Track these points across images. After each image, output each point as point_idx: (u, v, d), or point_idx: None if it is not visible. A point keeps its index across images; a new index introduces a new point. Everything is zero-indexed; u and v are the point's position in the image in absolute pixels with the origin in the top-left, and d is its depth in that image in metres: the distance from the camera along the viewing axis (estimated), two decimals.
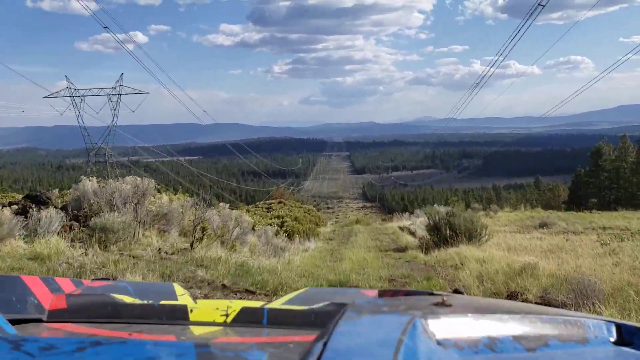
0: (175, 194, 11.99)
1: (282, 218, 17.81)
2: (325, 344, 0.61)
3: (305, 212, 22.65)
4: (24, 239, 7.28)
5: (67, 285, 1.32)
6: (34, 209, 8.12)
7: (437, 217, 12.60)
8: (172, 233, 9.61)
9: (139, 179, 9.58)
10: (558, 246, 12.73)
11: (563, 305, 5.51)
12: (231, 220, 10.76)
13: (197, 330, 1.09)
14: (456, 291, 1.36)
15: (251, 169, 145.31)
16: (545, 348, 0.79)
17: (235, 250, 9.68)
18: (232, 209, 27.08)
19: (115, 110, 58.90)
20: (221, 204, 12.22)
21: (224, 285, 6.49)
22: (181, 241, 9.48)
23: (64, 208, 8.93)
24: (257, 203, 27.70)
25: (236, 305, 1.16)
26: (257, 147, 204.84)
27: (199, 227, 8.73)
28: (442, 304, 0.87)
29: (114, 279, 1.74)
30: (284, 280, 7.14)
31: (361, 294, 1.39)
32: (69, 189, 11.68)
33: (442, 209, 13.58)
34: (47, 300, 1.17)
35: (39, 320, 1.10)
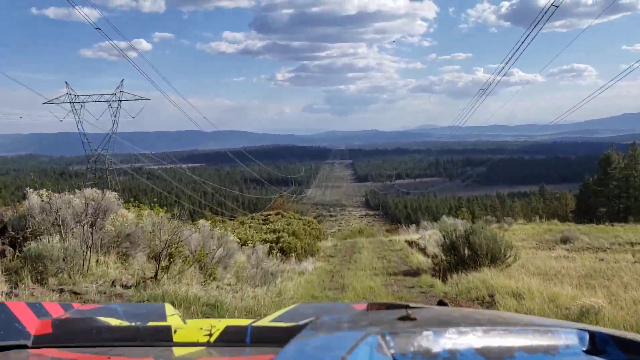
0: (152, 209, 10.30)
1: (278, 233, 16.12)
2: None
3: (304, 225, 20.97)
4: None
5: (55, 309, 1.29)
6: None
7: (454, 236, 10.89)
8: (138, 258, 7.94)
9: (98, 191, 7.92)
10: (594, 270, 11.11)
11: None
12: (213, 240, 9.08)
13: (179, 352, 1.07)
14: (441, 302, 1.34)
15: (254, 177, 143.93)
16: None
17: (214, 278, 7.99)
18: (230, 220, 25.51)
19: (115, 116, 58.12)
20: (201, 221, 10.57)
21: None
22: (149, 268, 7.81)
23: (2, 229, 7.29)
24: (254, 214, 25.95)
25: (221, 324, 1.13)
26: (260, 155, 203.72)
27: (165, 252, 7.02)
28: (407, 318, 0.84)
29: None
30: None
31: (351, 308, 1.36)
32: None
33: (459, 225, 11.85)
34: (33, 325, 1.15)
35: (24, 347, 1.09)
